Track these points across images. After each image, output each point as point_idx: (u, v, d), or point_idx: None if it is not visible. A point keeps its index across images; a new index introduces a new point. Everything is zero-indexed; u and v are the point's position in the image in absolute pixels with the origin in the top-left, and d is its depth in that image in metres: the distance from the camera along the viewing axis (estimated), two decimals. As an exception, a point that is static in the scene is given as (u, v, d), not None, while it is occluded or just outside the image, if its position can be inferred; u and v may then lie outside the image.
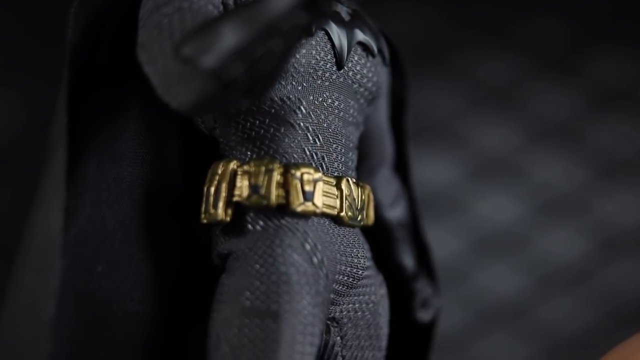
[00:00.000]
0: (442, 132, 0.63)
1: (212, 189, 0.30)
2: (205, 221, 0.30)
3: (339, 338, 0.32)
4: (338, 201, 0.31)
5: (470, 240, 0.63)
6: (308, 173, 0.29)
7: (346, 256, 0.31)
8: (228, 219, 0.30)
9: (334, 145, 0.31)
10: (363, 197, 0.32)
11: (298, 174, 0.29)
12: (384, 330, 0.33)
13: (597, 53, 0.64)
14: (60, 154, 0.28)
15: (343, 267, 0.31)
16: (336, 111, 0.31)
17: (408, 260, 0.39)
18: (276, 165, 0.29)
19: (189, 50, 0.25)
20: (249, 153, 0.30)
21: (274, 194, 0.29)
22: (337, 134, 0.31)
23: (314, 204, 0.29)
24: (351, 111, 0.32)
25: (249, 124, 0.30)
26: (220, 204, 0.30)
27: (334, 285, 0.30)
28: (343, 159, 0.32)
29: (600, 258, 0.64)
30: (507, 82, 0.64)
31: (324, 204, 0.30)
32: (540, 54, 0.64)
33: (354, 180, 0.32)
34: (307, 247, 0.29)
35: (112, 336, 0.29)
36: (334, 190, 0.31)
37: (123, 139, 0.31)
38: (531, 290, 0.64)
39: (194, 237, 0.32)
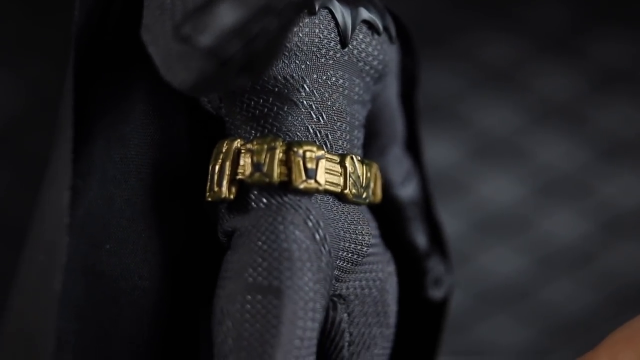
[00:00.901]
0: (444, 113, 0.63)
1: (217, 167, 0.30)
2: (209, 199, 0.30)
3: (345, 315, 0.32)
4: (342, 179, 0.31)
5: (471, 222, 0.63)
6: (310, 151, 0.30)
7: (350, 233, 0.31)
8: (232, 196, 0.30)
9: (339, 123, 0.31)
10: (368, 174, 0.32)
11: (300, 151, 0.30)
12: (392, 307, 0.34)
13: (599, 34, 0.64)
14: (67, 134, 0.28)
15: (347, 244, 0.31)
16: (340, 89, 0.32)
17: (420, 238, 0.39)
18: (279, 143, 0.30)
19: (187, 30, 0.26)
20: (253, 132, 0.31)
21: (276, 171, 0.29)
22: (341, 112, 0.32)
23: (316, 181, 0.30)
24: (356, 89, 0.32)
25: (253, 102, 0.31)
26: (224, 182, 0.30)
27: (337, 262, 0.31)
28: (348, 137, 0.32)
29: (602, 240, 0.64)
30: (509, 64, 0.64)
31: (326, 181, 0.30)
32: (542, 35, 0.64)
33: (359, 158, 0.32)
34: (310, 224, 0.29)
35: (120, 313, 0.30)
36: (338, 168, 0.31)
37: (130, 119, 0.31)
38: (532, 272, 0.64)
39: (202, 215, 0.32)
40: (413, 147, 0.39)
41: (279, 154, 0.30)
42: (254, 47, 0.25)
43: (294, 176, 0.29)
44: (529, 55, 0.64)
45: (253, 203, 0.30)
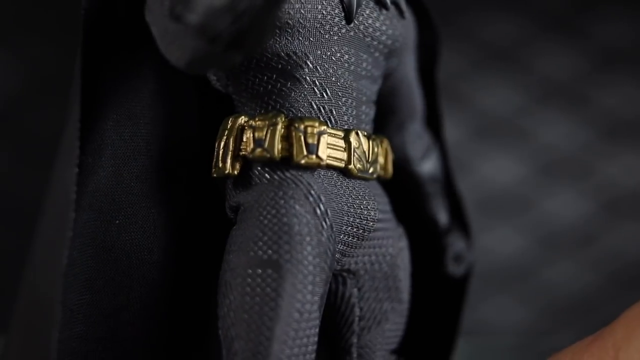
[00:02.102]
0: (445, 93, 0.62)
1: (222, 144, 0.31)
2: (215, 175, 0.31)
3: (355, 290, 0.32)
4: (345, 154, 0.31)
5: (472, 202, 0.63)
6: (312, 126, 0.30)
7: (354, 208, 0.31)
8: (235, 172, 0.30)
9: (344, 99, 0.31)
10: (376, 149, 0.32)
11: (302, 127, 0.30)
12: (404, 282, 0.34)
13: (601, 14, 0.64)
14: (75, 113, 0.29)
15: (351, 219, 0.31)
16: (346, 65, 0.32)
17: (441, 214, 0.39)
18: (280, 119, 0.30)
19: (180, 9, 0.26)
20: (258, 109, 0.31)
21: (277, 147, 0.30)
22: (347, 87, 0.32)
23: (317, 156, 0.30)
24: (364, 65, 0.32)
25: (257, 80, 0.31)
26: (228, 158, 0.30)
27: (341, 237, 0.31)
28: (354, 112, 0.32)
29: (603, 220, 0.64)
30: (511, 44, 0.63)
31: (329, 157, 0.30)
32: (544, 15, 0.64)
33: (365, 133, 0.32)
34: (311, 198, 0.30)
35: (131, 286, 0.30)
36: (342, 143, 0.31)
37: (140, 98, 0.31)
38: (533, 252, 0.64)
39: (210, 191, 0.32)
40: (433, 122, 0.39)
41: (280, 130, 0.30)
42: (241, 23, 0.25)
43: (295, 151, 0.30)
44: (530, 35, 0.64)
45: (256, 179, 0.30)
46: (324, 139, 0.30)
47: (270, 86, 0.31)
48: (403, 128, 0.37)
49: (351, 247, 0.31)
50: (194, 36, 0.26)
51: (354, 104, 0.32)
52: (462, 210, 0.40)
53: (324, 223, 0.30)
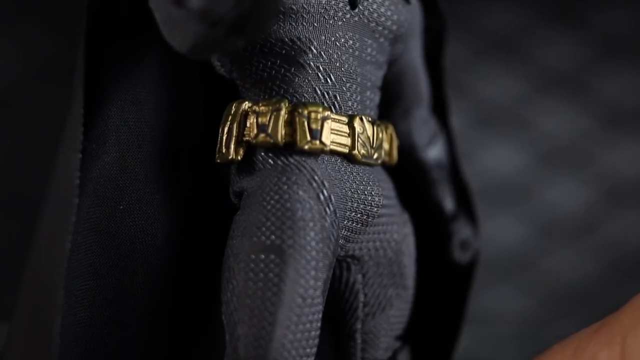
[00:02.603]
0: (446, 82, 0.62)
1: (225, 129, 0.30)
2: (218, 160, 0.31)
3: (360, 276, 0.32)
4: (349, 139, 0.31)
5: (473, 191, 0.63)
6: (315, 111, 0.30)
7: (358, 194, 0.31)
8: (239, 158, 0.30)
9: (348, 84, 0.31)
10: (381, 135, 0.32)
11: (305, 112, 0.30)
12: (409, 269, 0.34)
13: (603, 3, 0.64)
14: (79, 98, 0.29)
15: (355, 205, 0.31)
16: (350, 50, 0.31)
17: (447, 201, 0.39)
18: (284, 105, 0.30)
19: None
20: (262, 94, 0.31)
21: (280, 132, 0.30)
22: (351, 73, 0.31)
23: (321, 141, 0.30)
24: (369, 50, 0.32)
25: (261, 65, 0.31)
26: (232, 144, 0.30)
27: (345, 222, 0.31)
28: (359, 98, 0.32)
29: (604, 209, 0.64)
30: (511, 32, 0.63)
31: (332, 142, 0.30)
32: (545, 3, 0.64)
33: (370, 119, 0.32)
34: (314, 184, 0.30)
35: (135, 271, 0.30)
36: (345, 129, 0.31)
37: (145, 84, 0.31)
38: (534, 241, 0.64)
39: (215, 178, 0.32)
40: (439, 109, 0.39)
41: (283, 115, 0.30)
42: (243, 7, 0.25)
43: (298, 137, 0.30)
44: (531, 25, 0.63)
45: (260, 164, 0.30)
46: (328, 125, 0.30)
47: (274, 72, 0.31)
48: (409, 114, 0.37)
49: (355, 233, 0.31)
50: (195, 21, 0.26)
51: (359, 89, 0.32)
52: (469, 197, 0.40)
53: (327, 209, 0.29)
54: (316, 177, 0.30)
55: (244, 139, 0.30)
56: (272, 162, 0.30)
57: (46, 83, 0.55)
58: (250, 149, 0.31)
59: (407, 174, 0.36)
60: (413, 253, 0.34)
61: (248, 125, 0.30)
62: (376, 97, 0.33)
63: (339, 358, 0.33)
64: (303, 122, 0.30)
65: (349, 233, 0.31)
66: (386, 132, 0.33)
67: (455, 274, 0.40)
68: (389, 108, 0.36)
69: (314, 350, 0.29)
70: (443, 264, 0.39)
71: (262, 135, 0.30)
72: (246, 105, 0.30)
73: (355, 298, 0.32)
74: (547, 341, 0.33)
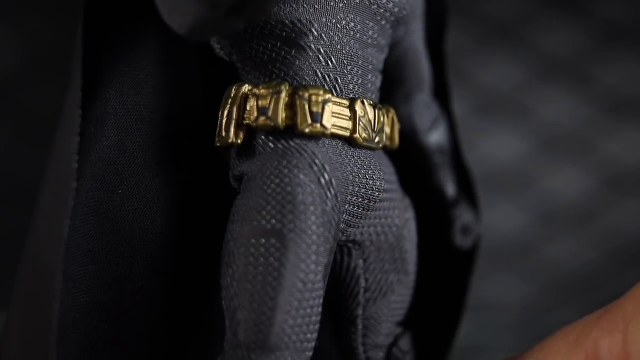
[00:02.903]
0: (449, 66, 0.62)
1: (225, 112, 0.30)
2: (218, 144, 0.31)
3: (361, 261, 0.32)
4: (351, 123, 0.31)
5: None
6: (316, 94, 0.30)
7: (360, 178, 0.31)
8: (239, 141, 0.30)
9: (349, 67, 0.31)
10: (382, 119, 0.32)
11: (306, 95, 0.29)
12: (411, 254, 0.34)
13: (604, -11, 0.64)
14: (77, 81, 0.29)
15: (356, 189, 0.31)
16: (352, 33, 0.31)
17: (448, 186, 0.39)
18: (284, 87, 0.30)
19: None
20: (262, 77, 0.31)
21: (281, 115, 0.29)
22: (352, 55, 0.31)
23: (322, 125, 0.30)
24: (370, 33, 0.32)
25: (261, 48, 0.31)
26: (232, 127, 0.30)
27: (346, 207, 0.31)
28: (360, 81, 0.32)
29: (605, 197, 0.64)
30: (512, 20, 0.63)
31: (333, 125, 0.30)
32: (546, -9, 0.63)
33: (371, 102, 0.31)
34: (315, 168, 0.29)
35: (134, 256, 0.30)
36: (347, 112, 0.31)
37: (143, 67, 0.31)
38: (535, 229, 0.64)
39: (215, 162, 0.32)
40: (441, 94, 0.39)
41: (284, 98, 0.29)
42: None
43: (299, 120, 0.29)
44: (532, 11, 0.63)
45: (260, 148, 0.30)
46: (329, 108, 0.30)
47: (274, 54, 0.30)
48: (411, 98, 0.37)
49: (356, 218, 0.31)
50: (195, 2, 0.25)
51: (360, 72, 0.31)
52: (471, 183, 0.40)
53: (328, 193, 0.29)
54: (317, 161, 0.29)
55: (244, 122, 0.30)
56: (272, 146, 0.30)
57: (46, 72, 0.55)
58: (251, 132, 0.30)
59: (408, 159, 0.36)
60: (415, 238, 0.34)
61: (248, 108, 0.30)
62: (378, 81, 0.33)
63: (339, 344, 0.33)
64: (304, 105, 0.29)
65: (350, 218, 0.31)
66: (388, 115, 0.33)
67: (456, 259, 0.39)
68: (391, 92, 0.36)
69: (315, 335, 0.29)
70: (445, 249, 0.39)
71: (262, 118, 0.29)
72: (246, 88, 0.30)
73: (356, 284, 0.32)
74: (547, 329, 0.33)
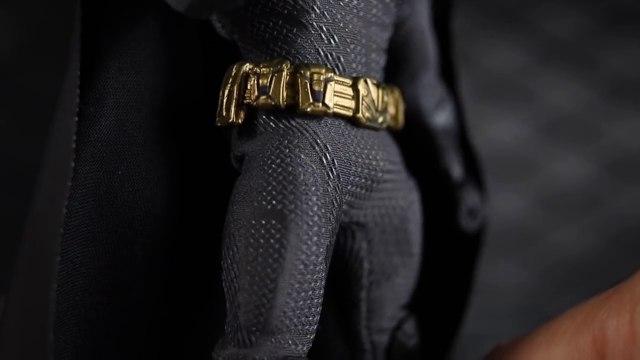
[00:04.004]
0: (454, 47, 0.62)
1: (226, 92, 0.30)
2: (219, 124, 0.30)
3: (364, 243, 0.32)
4: (354, 102, 0.30)
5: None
6: (318, 73, 0.29)
7: (362, 158, 0.31)
8: (240, 121, 0.30)
9: (352, 46, 0.31)
10: (386, 98, 0.32)
11: (307, 74, 0.29)
12: (415, 236, 0.33)
13: (607, -27, 0.63)
14: (74, 61, 0.28)
15: (359, 169, 0.30)
16: (355, 10, 0.31)
17: (454, 167, 0.38)
18: (285, 66, 0.29)
19: None
20: (263, 56, 0.30)
21: (282, 94, 0.29)
22: (355, 34, 0.31)
23: (324, 104, 0.29)
24: (374, 11, 0.31)
25: (263, 26, 0.30)
26: (232, 107, 0.30)
27: (349, 187, 0.30)
28: (364, 60, 0.31)
29: (608, 182, 0.64)
30: (515, 2, 0.63)
31: (336, 104, 0.30)
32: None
33: (375, 82, 0.31)
34: (317, 147, 0.29)
35: (135, 237, 0.30)
36: (349, 91, 0.30)
37: (144, 46, 0.31)
38: (537, 214, 0.63)
39: (215, 142, 0.32)
40: (447, 74, 0.39)
41: (285, 77, 0.29)
42: None
43: (300, 99, 0.29)
44: (535, -5, 0.63)
45: (261, 127, 0.30)
46: (331, 87, 0.29)
47: (275, 32, 0.30)
48: (416, 78, 0.36)
49: (359, 199, 0.31)
50: None
51: (363, 51, 0.31)
52: (477, 164, 0.39)
53: (330, 173, 0.29)
54: (319, 141, 0.29)
55: (245, 101, 0.30)
56: (273, 125, 0.29)
57: (43, 55, 0.55)
58: (252, 111, 0.30)
59: (413, 140, 0.36)
60: (419, 220, 0.34)
61: (249, 87, 0.29)
62: (382, 60, 0.32)
63: (343, 327, 0.33)
64: (305, 84, 0.29)
65: (353, 198, 0.30)
66: (392, 95, 0.32)
67: (463, 242, 0.39)
68: (396, 72, 0.35)
69: (317, 318, 0.29)
70: (450, 231, 0.39)
71: (263, 97, 0.29)
72: (247, 67, 0.30)
73: (360, 266, 0.32)
74: (548, 314, 0.32)
